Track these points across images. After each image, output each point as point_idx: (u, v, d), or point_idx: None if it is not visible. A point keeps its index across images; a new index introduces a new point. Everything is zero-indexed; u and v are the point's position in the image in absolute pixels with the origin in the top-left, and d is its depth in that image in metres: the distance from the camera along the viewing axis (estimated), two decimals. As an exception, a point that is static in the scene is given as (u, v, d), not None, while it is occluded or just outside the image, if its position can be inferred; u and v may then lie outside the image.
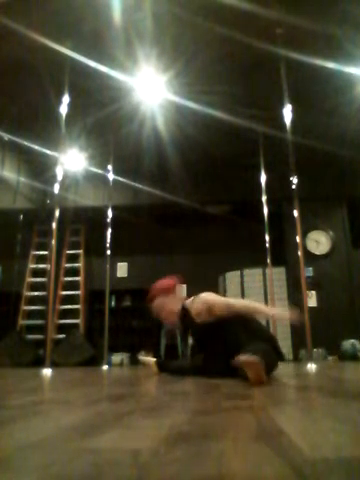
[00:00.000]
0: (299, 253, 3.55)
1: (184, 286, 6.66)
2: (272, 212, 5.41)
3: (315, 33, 3.70)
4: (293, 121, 3.78)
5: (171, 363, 2.82)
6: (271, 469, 0.44)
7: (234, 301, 2.41)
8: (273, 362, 2.06)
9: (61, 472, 0.45)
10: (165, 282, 2.53)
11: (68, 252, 7.20)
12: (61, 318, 6.74)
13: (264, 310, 2.36)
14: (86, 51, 3.91)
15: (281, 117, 3.82)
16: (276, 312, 2.47)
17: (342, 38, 3.74)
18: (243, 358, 1.62)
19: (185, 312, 2.41)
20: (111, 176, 5.73)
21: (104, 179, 5.94)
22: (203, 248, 7.01)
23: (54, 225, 3.67)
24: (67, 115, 3.97)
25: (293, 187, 3.67)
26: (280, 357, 2.22)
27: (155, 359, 2.79)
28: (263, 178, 5.34)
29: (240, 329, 2.19)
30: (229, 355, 1.87)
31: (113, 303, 6.90)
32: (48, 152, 5.52)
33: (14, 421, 0.80)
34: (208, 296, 2.35)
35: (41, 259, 7.13)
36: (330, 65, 4.02)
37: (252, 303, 2.35)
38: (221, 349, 2.17)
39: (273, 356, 2.09)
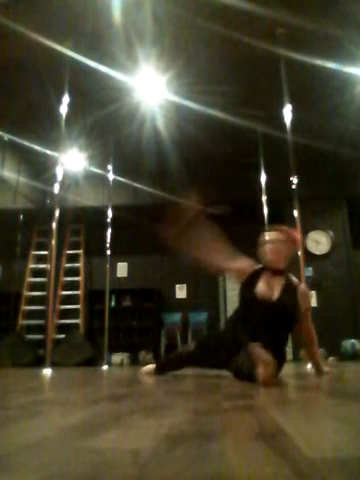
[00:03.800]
0: (299, 253, 3.54)
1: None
2: (272, 212, 5.41)
3: (315, 33, 3.70)
4: (293, 121, 3.78)
5: (168, 357, 2.78)
6: (271, 469, 0.44)
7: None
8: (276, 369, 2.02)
9: (61, 472, 0.45)
10: (298, 236, 2.37)
11: (68, 252, 7.20)
12: (61, 318, 6.74)
13: (317, 360, 2.32)
14: (86, 51, 3.91)
15: (281, 117, 3.82)
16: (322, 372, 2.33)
17: (342, 38, 3.74)
18: (261, 351, 1.60)
19: (290, 282, 2.23)
20: (111, 176, 5.73)
21: (104, 179, 5.94)
22: (203, 248, 7.00)
23: (54, 225, 3.67)
24: (67, 115, 3.97)
25: (293, 187, 3.67)
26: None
27: (155, 365, 2.59)
28: (263, 178, 5.34)
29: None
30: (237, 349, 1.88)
31: (113, 303, 6.89)
32: (48, 152, 5.52)
33: (14, 421, 0.80)
34: None
35: (41, 259, 7.13)
36: (330, 65, 4.02)
37: (316, 339, 2.28)
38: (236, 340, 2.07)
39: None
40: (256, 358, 1.62)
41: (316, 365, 2.34)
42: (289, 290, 2.16)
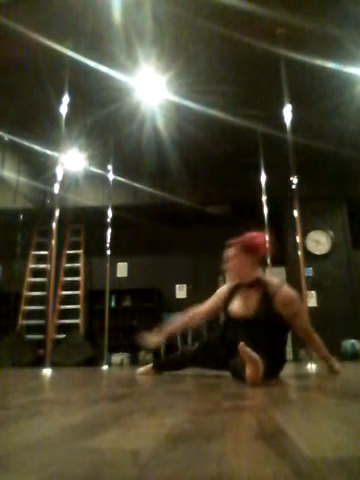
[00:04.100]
0: (299, 253, 3.54)
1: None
2: (272, 212, 5.41)
3: (315, 33, 3.70)
4: (293, 121, 3.78)
5: (169, 358, 2.80)
6: (271, 469, 0.44)
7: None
8: (273, 370, 1.98)
9: (61, 472, 0.45)
10: (259, 241, 2.24)
11: (68, 252, 7.20)
12: (61, 318, 6.74)
13: (325, 357, 2.23)
14: (86, 51, 3.90)
15: (281, 117, 3.82)
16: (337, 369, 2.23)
17: (342, 38, 3.74)
18: (248, 350, 1.60)
19: (267, 292, 2.12)
20: (111, 176, 5.73)
21: (104, 179, 5.94)
22: (203, 248, 7.01)
23: (54, 225, 3.67)
24: (67, 115, 3.97)
25: (293, 187, 3.67)
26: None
27: (152, 364, 2.64)
28: (263, 178, 5.34)
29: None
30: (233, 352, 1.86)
31: (113, 303, 6.89)
32: (48, 152, 5.52)
33: (14, 421, 0.80)
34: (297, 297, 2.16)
35: (41, 259, 7.13)
36: (330, 65, 4.01)
37: (316, 337, 2.22)
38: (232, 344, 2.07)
39: (275, 366, 2.04)
40: (243, 357, 1.62)
41: (326, 362, 2.25)
42: (266, 301, 2.10)
